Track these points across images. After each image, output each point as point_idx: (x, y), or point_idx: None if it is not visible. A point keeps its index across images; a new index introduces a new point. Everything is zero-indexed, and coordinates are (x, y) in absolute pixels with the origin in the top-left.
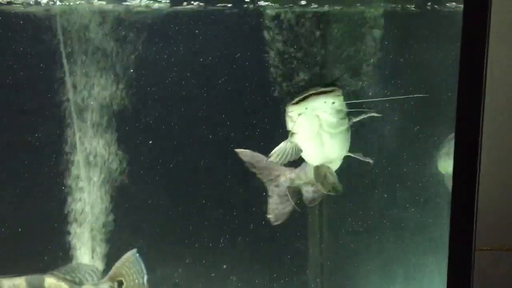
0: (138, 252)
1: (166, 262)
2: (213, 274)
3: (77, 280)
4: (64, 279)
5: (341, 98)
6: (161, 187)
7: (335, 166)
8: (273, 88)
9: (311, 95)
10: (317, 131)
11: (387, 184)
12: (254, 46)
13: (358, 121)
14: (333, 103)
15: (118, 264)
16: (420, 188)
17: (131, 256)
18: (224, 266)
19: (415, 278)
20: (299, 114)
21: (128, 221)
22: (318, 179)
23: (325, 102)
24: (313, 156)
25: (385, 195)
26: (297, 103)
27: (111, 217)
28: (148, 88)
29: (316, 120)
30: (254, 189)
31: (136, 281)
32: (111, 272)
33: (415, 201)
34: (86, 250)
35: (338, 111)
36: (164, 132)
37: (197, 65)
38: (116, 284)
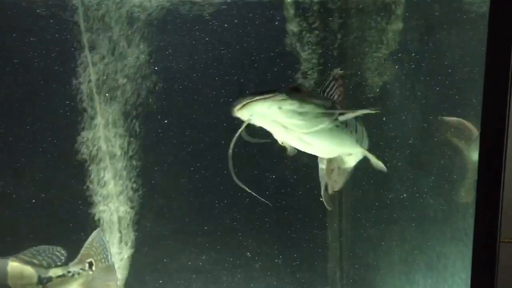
0: (102, 230)
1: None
2: (238, 261)
3: (44, 263)
4: (30, 263)
5: (292, 101)
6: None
7: (352, 159)
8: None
9: (248, 103)
10: (290, 133)
11: (410, 173)
12: None
13: (351, 118)
14: (280, 108)
15: (86, 245)
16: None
17: (97, 235)
18: (248, 254)
19: (438, 268)
20: (249, 117)
21: None
22: (328, 173)
23: (269, 108)
24: (312, 153)
25: (408, 184)
26: (240, 109)
27: None
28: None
29: (276, 124)
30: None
31: (104, 260)
32: (80, 254)
33: (440, 191)
34: None
35: (298, 113)
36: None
37: None
38: (86, 266)
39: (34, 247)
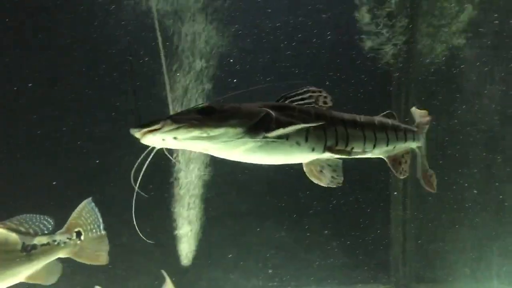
0: (92, 200)
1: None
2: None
3: (31, 231)
4: (16, 230)
5: (186, 129)
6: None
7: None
8: None
9: (141, 135)
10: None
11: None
12: None
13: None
14: (175, 138)
15: (74, 214)
16: None
17: (86, 205)
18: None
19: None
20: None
21: None
22: (310, 175)
23: (163, 140)
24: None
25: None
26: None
27: None
28: None
29: (193, 147)
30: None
31: (94, 230)
32: (67, 223)
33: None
34: None
35: (205, 138)
36: None
37: None
38: (74, 235)
39: (22, 215)
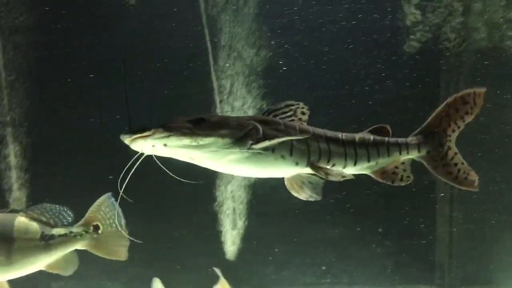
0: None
1: None
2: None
3: (51, 221)
4: (38, 220)
5: (177, 137)
6: None
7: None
8: None
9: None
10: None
11: None
12: None
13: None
14: (165, 145)
15: (93, 208)
16: None
17: (106, 200)
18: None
19: None
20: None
21: None
22: (291, 189)
23: (153, 146)
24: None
25: None
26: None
27: None
28: None
29: (180, 155)
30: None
31: (114, 225)
32: (86, 217)
33: None
34: None
35: (194, 147)
36: None
37: None
38: (91, 229)
39: (43, 204)
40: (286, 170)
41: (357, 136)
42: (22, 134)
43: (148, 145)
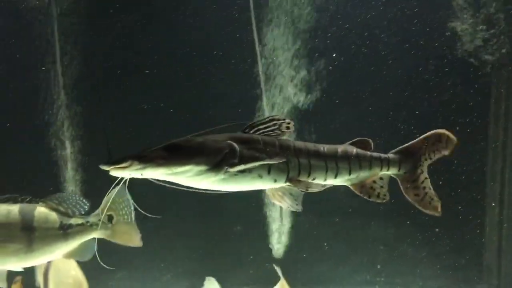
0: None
1: None
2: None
3: (69, 211)
4: (56, 210)
5: (152, 168)
6: None
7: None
8: None
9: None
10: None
11: None
12: None
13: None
14: (142, 174)
15: (106, 198)
16: None
17: (120, 191)
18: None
19: None
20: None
21: None
22: (272, 198)
23: (130, 175)
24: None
25: None
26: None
27: None
28: None
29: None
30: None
31: (126, 216)
32: (101, 206)
33: None
34: None
35: (169, 174)
36: None
37: None
38: (106, 218)
39: (61, 193)
40: (265, 187)
41: (340, 149)
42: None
43: (126, 174)
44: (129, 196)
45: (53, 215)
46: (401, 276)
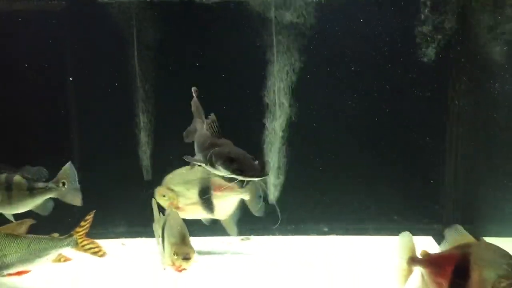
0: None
1: None
2: None
3: (35, 178)
4: (26, 177)
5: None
6: None
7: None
8: None
9: None
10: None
11: None
12: None
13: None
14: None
15: (61, 171)
16: None
17: (69, 166)
18: None
19: None
20: None
21: None
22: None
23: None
24: None
25: None
26: None
27: None
28: None
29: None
30: None
31: (73, 182)
32: (57, 176)
33: None
34: None
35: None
36: None
37: None
38: (61, 184)
39: (28, 166)
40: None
41: None
42: None
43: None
44: (74, 169)
45: (23, 181)
46: None
